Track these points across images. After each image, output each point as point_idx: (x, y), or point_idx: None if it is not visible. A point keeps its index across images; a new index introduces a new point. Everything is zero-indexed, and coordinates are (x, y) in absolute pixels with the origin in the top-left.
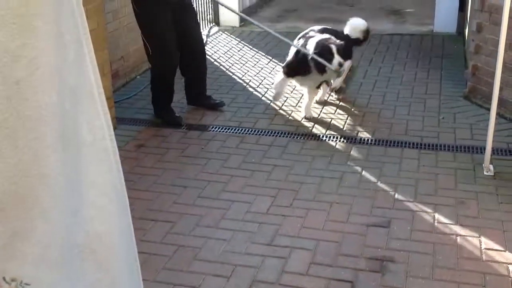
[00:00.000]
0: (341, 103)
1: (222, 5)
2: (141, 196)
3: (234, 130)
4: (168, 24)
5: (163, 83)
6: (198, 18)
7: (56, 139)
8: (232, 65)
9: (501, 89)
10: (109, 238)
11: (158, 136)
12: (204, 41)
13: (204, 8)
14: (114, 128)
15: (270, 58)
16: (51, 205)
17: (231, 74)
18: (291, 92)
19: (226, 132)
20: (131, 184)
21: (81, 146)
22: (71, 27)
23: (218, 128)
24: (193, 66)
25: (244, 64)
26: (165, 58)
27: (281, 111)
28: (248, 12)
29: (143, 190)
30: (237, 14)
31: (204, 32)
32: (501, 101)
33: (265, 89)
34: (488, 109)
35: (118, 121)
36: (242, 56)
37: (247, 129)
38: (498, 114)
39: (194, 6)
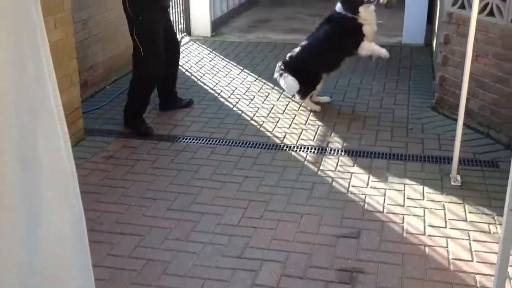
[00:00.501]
0: (311, 114)
1: None
2: (109, 209)
3: (205, 140)
4: (161, 29)
5: (149, 88)
6: None
7: (14, 157)
8: (204, 75)
9: (467, 100)
10: (66, 260)
11: (128, 147)
12: None
13: (176, 18)
14: (82, 139)
15: (242, 68)
16: (8, 224)
17: (202, 84)
18: (263, 102)
19: (197, 143)
20: (99, 196)
21: (39, 165)
22: (31, 43)
23: (189, 139)
24: (171, 67)
25: (215, 74)
26: (158, 61)
27: (252, 122)
28: (219, 22)
29: (111, 203)
30: None
31: None
32: (467, 112)
33: (237, 99)
34: (455, 120)
35: (87, 132)
36: (213, 66)
37: (218, 140)
38: (465, 125)
39: None
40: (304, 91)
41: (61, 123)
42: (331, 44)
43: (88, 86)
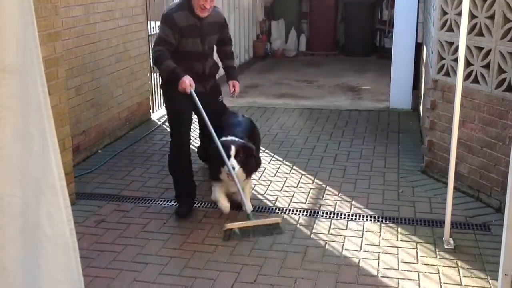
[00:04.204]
0: (303, 177)
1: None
2: (100, 274)
3: (198, 204)
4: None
5: (175, 173)
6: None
7: (17, 232)
8: (195, 139)
9: (456, 164)
10: None
11: (119, 210)
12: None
13: None
14: (73, 204)
15: None
16: None
17: (193, 148)
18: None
19: None
20: (90, 261)
21: (41, 239)
22: (37, 121)
23: None
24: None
25: None
26: (179, 149)
27: None
28: None
29: (102, 268)
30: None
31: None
32: (457, 176)
33: None
34: (445, 183)
35: (78, 196)
36: None
37: (210, 203)
38: (455, 188)
39: None
40: None
41: (64, 198)
42: None
43: (80, 151)
